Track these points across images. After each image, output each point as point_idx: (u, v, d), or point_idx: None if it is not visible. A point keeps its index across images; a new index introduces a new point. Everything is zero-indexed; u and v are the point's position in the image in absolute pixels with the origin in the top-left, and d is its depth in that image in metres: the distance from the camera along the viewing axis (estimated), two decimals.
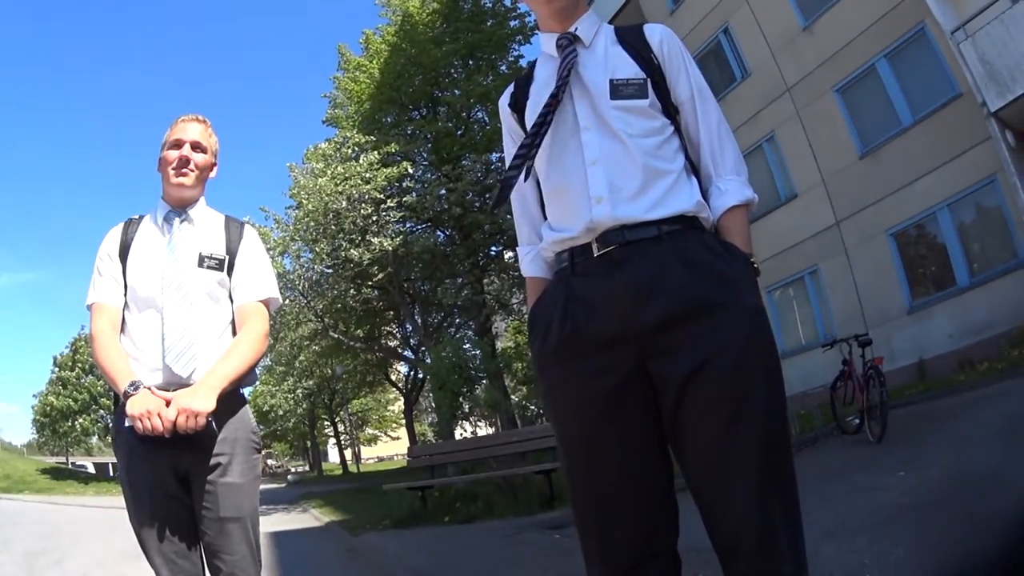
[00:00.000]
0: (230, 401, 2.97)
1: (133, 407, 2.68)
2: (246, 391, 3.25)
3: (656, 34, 2.32)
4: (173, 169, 3.12)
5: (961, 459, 7.01)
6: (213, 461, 2.91)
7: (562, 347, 2.17)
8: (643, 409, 2.10)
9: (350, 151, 23.15)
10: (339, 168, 22.18)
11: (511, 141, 2.50)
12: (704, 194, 2.25)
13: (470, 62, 26.23)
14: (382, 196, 22.40)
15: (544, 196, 2.37)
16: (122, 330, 3.04)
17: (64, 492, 37.35)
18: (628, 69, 2.25)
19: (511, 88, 2.53)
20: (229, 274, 3.16)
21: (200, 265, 3.09)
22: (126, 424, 2.73)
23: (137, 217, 3.24)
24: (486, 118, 25.64)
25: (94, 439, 56.60)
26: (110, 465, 58.61)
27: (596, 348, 2.11)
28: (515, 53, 26.58)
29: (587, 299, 2.13)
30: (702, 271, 2.06)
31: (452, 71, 26.25)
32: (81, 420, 53.04)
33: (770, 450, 1.98)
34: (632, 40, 2.32)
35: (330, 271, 23.74)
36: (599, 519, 2.15)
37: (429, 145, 25.65)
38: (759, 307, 2.12)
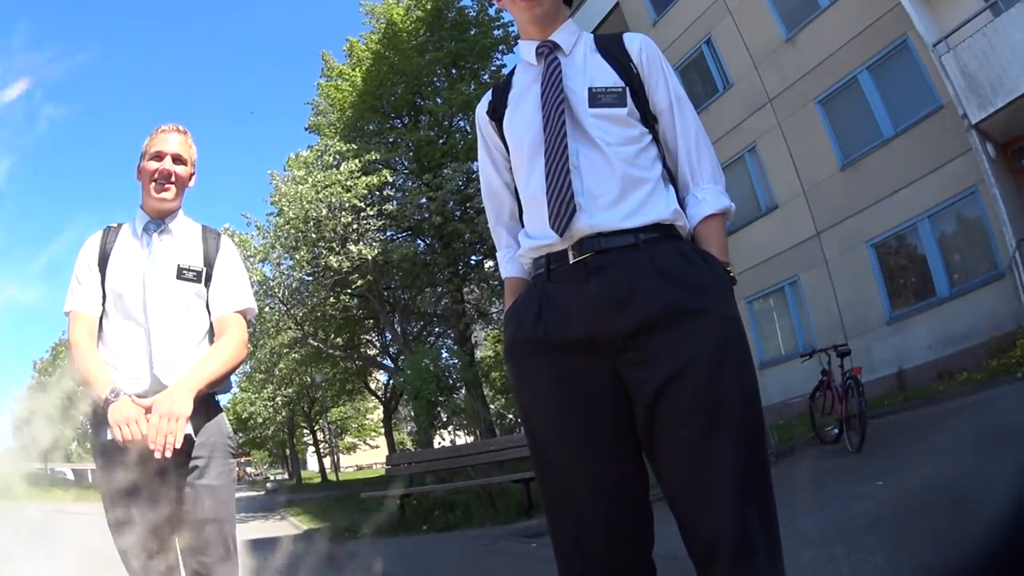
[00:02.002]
0: (207, 407, 3.00)
1: (114, 415, 2.70)
2: (222, 399, 3.26)
3: (635, 43, 2.32)
4: (155, 183, 3.14)
5: (939, 469, 7.02)
6: (191, 464, 2.94)
7: (534, 344, 2.15)
8: (616, 416, 2.08)
9: (331, 159, 23.17)
10: (320, 176, 22.18)
11: (485, 150, 2.49)
12: (681, 203, 2.25)
13: (453, 71, 26.30)
14: (362, 204, 22.45)
15: (522, 203, 2.35)
16: (100, 339, 3.05)
17: (42, 498, 37.16)
18: (607, 78, 2.25)
19: (488, 96, 2.51)
20: (206, 285, 3.20)
21: (179, 277, 3.12)
22: (107, 437, 2.75)
23: (116, 226, 3.26)
24: (468, 127, 25.72)
25: (73, 444, 56.36)
26: (89, 472, 58.28)
27: (569, 353, 2.10)
28: (498, 62, 26.69)
29: (562, 305, 2.13)
30: (677, 279, 2.06)
31: (435, 80, 26.33)
32: (61, 425, 52.78)
33: (746, 459, 1.96)
34: (611, 49, 2.32)
35: (310, 278, 23.76)
36: (573, 527, 2.13)
37: (410, 153, 25.70)
38: (734, 315, 2.12)
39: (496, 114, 2.44)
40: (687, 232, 2.22)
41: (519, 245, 2.37)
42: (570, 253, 2.14)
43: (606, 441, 2.09)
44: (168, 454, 2.68)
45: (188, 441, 2.85)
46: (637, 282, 2.04)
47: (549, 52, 2.31)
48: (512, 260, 2.44)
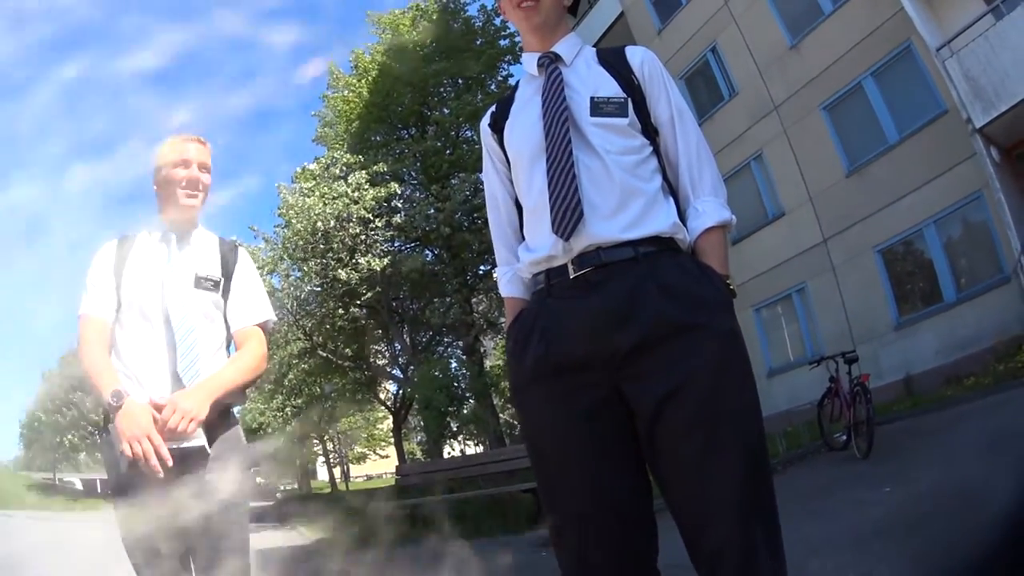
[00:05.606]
0: (223, 417, 2.97)
1: (123, 429, 2.64)
2: (237, 410, 3.22)
3: (637, 56, 2.34)
4: (184, 190, 3.08)
5: (947, 474, 7.00)
6: (205, 477, 2.87)
7: (537, 369, 2.15)
8: (619, 430, 2.10)
9: (338, 171, 23.19)
10: (327, 188, 22.21)
11: (490, 162, 2.50)
12: (681, 215, 2.25)
13: (459, 81, 26.29)
14: (370, 215, 22.42)
15: (523, 214, 2.35)
16: (112, 348, 2.99)
17: (52, 508, 37.04)
18: (609, 88, 2.26)
19: (492, 109, 2.52)
20: (224, 296, 3.16)
21: (197, 286, 3.07)
22: (119, 454, 2.67)
23: (132, 234, 3.19)
24: (475, 137, 25.63)
25: (82, 455, 56.06)
26: (98, 482, 58.09)
27: (571, 370, 2.10)
28: (504, 72, 26.68)
29: (563, 322, 2.13)
30: (677, 294, 2.06)
31: (441, 90, 26.32)
32: (70, 436, 52.61)
33: (748, 472, 1.97)
34: (613, 61, 2.33)
35: (319, 290, 23.75)
36: (577, 540, 2.13)
37: (418, 164, 25.64)
38: (734, 330, 2.11)
39: (497, 126, 2.45)
40: (687, 245, 2.22)
41: (517, 260, 2.37)
42: (570, 268, 2.14)
43: (608, 454, 2.09)
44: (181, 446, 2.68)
45: (203, 453, 2.82)
46: (637, 298, 2.05)
47: (550, 63, 2.33)
48: (512, 280, 2.44)
